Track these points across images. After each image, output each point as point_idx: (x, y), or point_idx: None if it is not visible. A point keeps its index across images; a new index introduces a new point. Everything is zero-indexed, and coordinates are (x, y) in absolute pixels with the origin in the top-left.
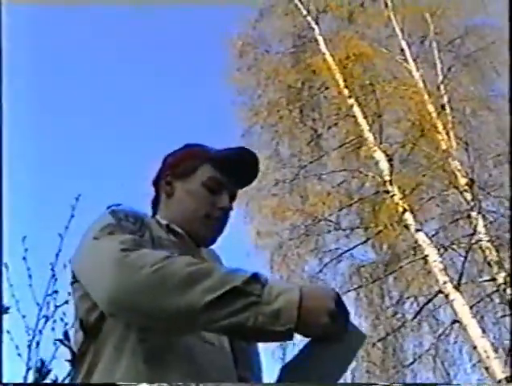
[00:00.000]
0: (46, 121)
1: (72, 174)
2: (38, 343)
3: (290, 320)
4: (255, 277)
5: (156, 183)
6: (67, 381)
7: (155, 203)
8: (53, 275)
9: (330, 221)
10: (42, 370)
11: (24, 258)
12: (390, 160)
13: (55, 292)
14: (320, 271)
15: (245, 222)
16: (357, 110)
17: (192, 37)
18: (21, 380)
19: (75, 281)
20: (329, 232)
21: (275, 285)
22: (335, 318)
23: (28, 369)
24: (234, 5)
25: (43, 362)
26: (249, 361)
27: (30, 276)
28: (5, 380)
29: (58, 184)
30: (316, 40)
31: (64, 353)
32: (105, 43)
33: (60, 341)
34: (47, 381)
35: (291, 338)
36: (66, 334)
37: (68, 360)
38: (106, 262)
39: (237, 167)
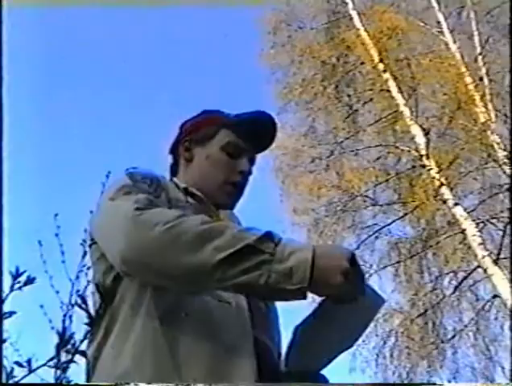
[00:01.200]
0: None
1: (103, 150)
2: (71, 317)
3: (302, 279)
4: (268, 236)
5: (174, 150)
6: (84, 344)
7: (173, 170)
8: (84, 251)
9: (367, 197)
10: (65, 334)
11: (57, 235)
12: (426, 134)
13: (88, 268)
14: (358, 247)
15: (282, 200)
16: (392, 85)
17: (225, 15)
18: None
19: (92, 243)
20: (366, 208)
21: (288, 243)
22: (349, 278)
23: (60, 342)
24: None
25: (64, 327)
26: (267, 322)
27: (62, 252)
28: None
29: (88, 161)
30: (350, 15)
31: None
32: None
33: (77, 305)
34: (69, 346)
35: (303, 297)
36: (83, 297)
37: (86, 323)
38: (120, 221)
39: (256, 130)
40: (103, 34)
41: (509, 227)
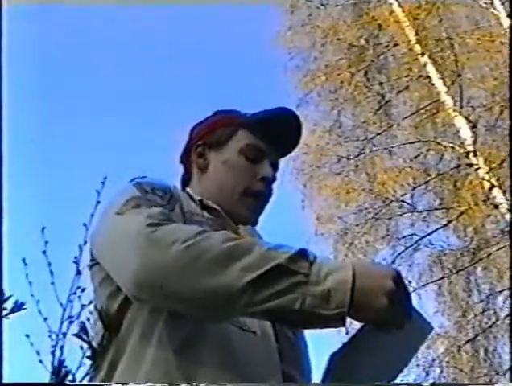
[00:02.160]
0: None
1: (102, 155)
2: (62, 348)
3: (342, 302)
4: (302, 254)
5: (185, 158)
6: (85, 381)
7: (185, 181)
8: (78, 270)
9: (403, 202)
10: (60, 370)
11: (44, 252)
12: (473, 127)
13: (82, 290)
14: (394, 261)
15: (304, 206)
16: (431, 70)
17: None
18: None
19: (94, 263)
20: (402, 214)
21: (325, 262)
22: (394, 301)
23: (56, 378)
24: None
25: (60, 362)
26: (296, 354)
27: (51, 272)
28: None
29: (83, 167)
30: None
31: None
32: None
33: (77, 335)
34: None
35: (342, 323)
36: (83, 326)
37: (88, 357)
38: (131, 239)
39: (278, 130)
40: (104, 32)
41: None
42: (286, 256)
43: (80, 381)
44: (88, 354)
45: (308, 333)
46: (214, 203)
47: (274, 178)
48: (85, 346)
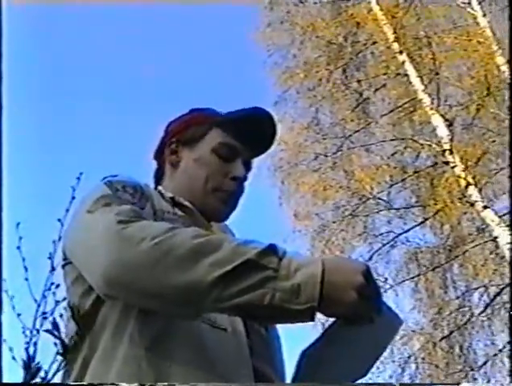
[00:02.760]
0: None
1: (77, 152)
2: (35, 344)
3: (311, 296)
4: (271, 249)
5: (159, 154)
6: (57, 377)
7: (158, 177)
8: (52, 266)
9: (380, 199)
10: (31, 366)
11: (18, 247)
12: (449, 125)
13: (56, 286)
14: (370, 258)
15: (281, 203)
16: (409, 68)
17: None
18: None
19: (67, 262)
20: (379, 212)
21: (294, 257)
22: (364, 295)
23: (27, 374)
24: None
25: (29, 357)
26: (268, 350)
27: (25, 268)
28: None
29: (59, 163)
30: None
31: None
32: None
33: (49, 331)
34: (37, 380)
35: (312, 318)
36: (55, 323)
37: (60, 353)
38: (102, 236)
39: (252, 130)
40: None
41: None
42: (255, 251)
43: (52, 377)
44: (60, 350)
45: (282, 328)
46: (186, 201)
47: (245, 178)
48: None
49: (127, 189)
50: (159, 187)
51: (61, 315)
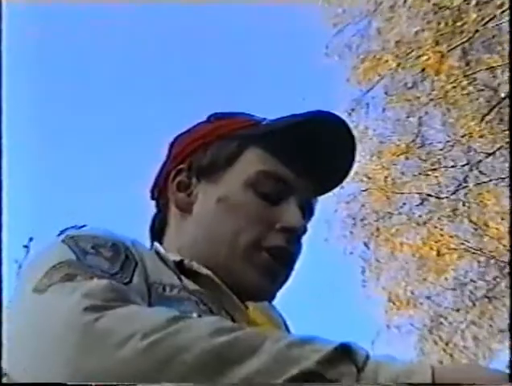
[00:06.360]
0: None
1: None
2: None
3: None
4: (345, 350)
5: (159, 190)
6: None
7: (157, 227)
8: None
9: None
10: None
11: None
12: None
13: None
14: None
15: (365, 278)
16: None
17: None
18: None
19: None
20: None
21: (385, 364)
22: None
23: None
24: None
25: None
26: None
27: None
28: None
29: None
30: None
31: None
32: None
33: None
34: None
35: None
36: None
37: None
38: (57, 336)
39: (314, 148)
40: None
41: None
42: (317, 356)
43: None
44: None
45: None
46: (203, 266)
47: (304, 229)
48: None
49: (101, 250)
50: (157, 246)
51: None
